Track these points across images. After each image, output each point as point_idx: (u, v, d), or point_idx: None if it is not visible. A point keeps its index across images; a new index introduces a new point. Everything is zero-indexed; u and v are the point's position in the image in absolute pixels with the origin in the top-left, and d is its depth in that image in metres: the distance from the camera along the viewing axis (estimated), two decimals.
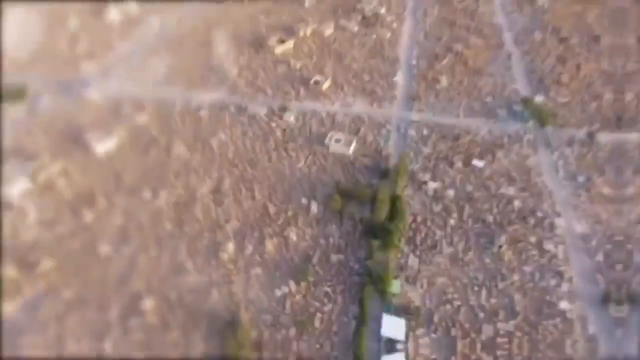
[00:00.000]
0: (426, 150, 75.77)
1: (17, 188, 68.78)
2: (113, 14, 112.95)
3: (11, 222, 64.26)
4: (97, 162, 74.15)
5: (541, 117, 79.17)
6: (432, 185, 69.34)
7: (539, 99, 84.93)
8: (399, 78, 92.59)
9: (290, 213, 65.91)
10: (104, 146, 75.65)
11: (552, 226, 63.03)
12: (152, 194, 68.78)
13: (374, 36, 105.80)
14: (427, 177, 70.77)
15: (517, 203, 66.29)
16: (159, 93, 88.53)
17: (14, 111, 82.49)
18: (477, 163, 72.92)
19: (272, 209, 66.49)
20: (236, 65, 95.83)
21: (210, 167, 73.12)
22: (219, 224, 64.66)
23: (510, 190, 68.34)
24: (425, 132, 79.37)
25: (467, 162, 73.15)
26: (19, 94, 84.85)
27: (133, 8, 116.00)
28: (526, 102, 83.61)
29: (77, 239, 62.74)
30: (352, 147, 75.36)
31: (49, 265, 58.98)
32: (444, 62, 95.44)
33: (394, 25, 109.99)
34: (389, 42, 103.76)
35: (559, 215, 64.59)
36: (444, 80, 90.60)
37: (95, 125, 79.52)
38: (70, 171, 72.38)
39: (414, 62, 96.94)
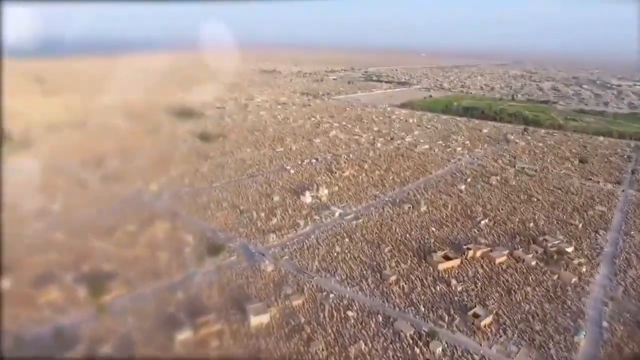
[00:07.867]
0: None
1: (182, 336, 78.25)
2: (307, 197, 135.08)
3: None
4: (247, 334, 79.92)
5: None
6: None
7: None
8: (582, 339, 76.72)
9: None
10: (258, 319, 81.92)
11: None
12: None
13: (555, 277, 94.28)
14: None
15: None
16: (319, 279, 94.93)
17: (208, 263, 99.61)
18: None
19: None
20: (395, 272, 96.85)
21: None
22: None
23: None
24: None
25: None
26: (216, 250, 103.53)
27: (324, 196, 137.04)
28: None
29: None
30: None
31: None
32: None
33: (583, 269, 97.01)
34: (574, 289, 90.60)
35: None
36: None
37: (258, 296, 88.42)
38: (224, 335, 79.58)
39: (605, 323, 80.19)
